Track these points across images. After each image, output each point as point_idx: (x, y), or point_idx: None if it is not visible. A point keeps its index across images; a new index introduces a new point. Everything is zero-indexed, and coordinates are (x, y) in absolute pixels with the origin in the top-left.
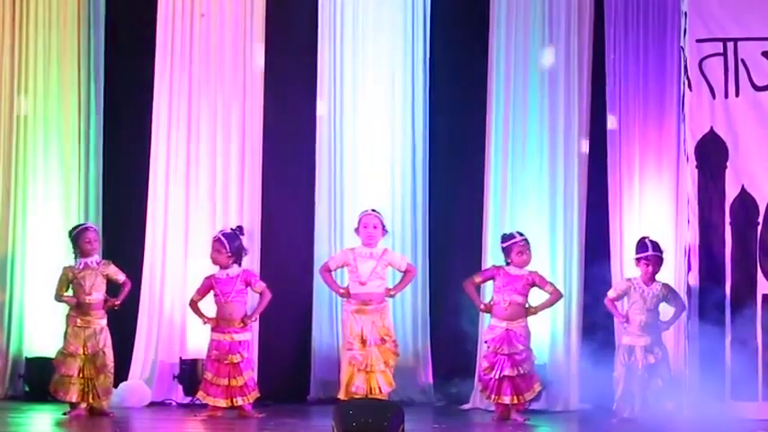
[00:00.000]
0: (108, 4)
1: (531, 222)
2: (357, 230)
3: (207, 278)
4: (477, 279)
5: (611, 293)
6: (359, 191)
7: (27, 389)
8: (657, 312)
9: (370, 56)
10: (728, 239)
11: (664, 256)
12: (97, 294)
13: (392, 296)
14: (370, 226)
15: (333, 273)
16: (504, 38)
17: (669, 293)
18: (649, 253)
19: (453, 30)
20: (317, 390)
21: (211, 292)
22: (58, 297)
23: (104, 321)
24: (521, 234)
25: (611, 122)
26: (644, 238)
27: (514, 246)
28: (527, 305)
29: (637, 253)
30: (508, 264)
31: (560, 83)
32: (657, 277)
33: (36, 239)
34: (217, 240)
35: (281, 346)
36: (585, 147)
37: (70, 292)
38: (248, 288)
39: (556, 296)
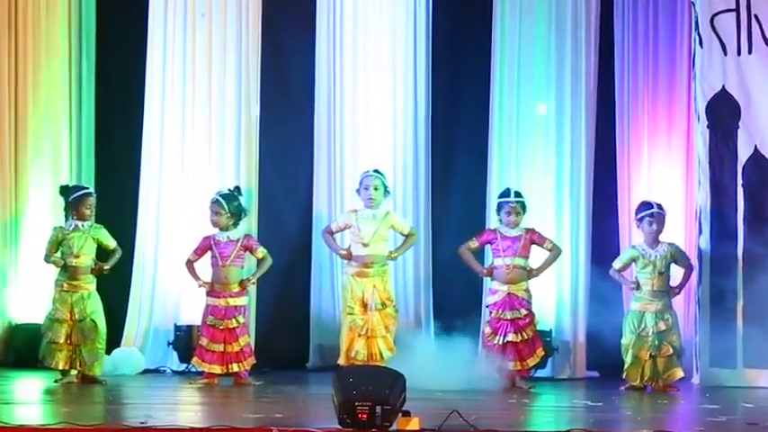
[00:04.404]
0: None
1: (537, 184)
2: (359, 191)
3: (205, 238)
4: (473, 245)
5: (616, 264)
6: (359, 149)
7: (14, 356)
8: (668, 276)
9: (370, 10)
10: (741, 202)
11: (667, 217)
12: (85, 258)
13: (393, 259)
14: (371, 187)
15: (334, 235)
16: None
17: (677, 252)
18: (654, 210)
19: None
20: (317, 356)
21: (208, 254)
22: (48, 258)
23: (93, 286)
24: (517, 194)
25: (620, 80)
26: (644, 200)
27: (505, 205)
28: (528, 267)
29: (640, 212)
30: (501, 221)
31: (567, 39)
32: (661, 238)
33: (24, 204)
34: (215, 202)
35: (279, 310)
36: (593, 105)
37: (60, 254)
38: (246, 253)
39: (555, 253)
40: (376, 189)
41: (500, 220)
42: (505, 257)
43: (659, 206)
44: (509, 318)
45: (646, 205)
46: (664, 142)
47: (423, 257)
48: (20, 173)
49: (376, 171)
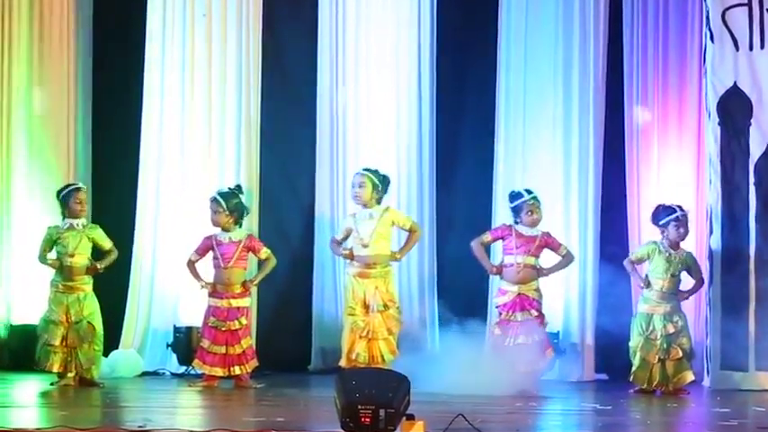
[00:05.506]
0: None
1: (544, 182)
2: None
3: (207, 238)
4: (487, 239)
5: (632, 255)
6: (362, 148)
7: (10, 358)
8: (679, 280)
9: (373, 6)
10: (753, 201)
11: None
12: (80, 258)
13: (398, 260)
14: (356, 185)
15: (341, 243)
16: None
17: (692, 262)
18: (678, 213)
19: None
20: (319, 359)
21: (209, 254)
22: (42, 258)
23: (89, 287)
24: (529, 192)
25: (629, 76)
26: (661, 204)
27: (524, 205)
28: (539, 266)
29: (663, 218)
30: (518, 223)
31: (575, 34)
32: (681, 245)
33: (20, 203)
34: (213, 200)
35: (281, 312)
36: (601, 101)
37: (54, 255)
38: (249, 253)
39: (568, 259)
40: (361, 186)
41: (517, 222)
42: (517, 255)
43: (681, 208)
44: (519, 319)
45: (668, 209)
46: (674, 140)
47: (427, 257)
48: (15, 172)
49: (365, 169)
